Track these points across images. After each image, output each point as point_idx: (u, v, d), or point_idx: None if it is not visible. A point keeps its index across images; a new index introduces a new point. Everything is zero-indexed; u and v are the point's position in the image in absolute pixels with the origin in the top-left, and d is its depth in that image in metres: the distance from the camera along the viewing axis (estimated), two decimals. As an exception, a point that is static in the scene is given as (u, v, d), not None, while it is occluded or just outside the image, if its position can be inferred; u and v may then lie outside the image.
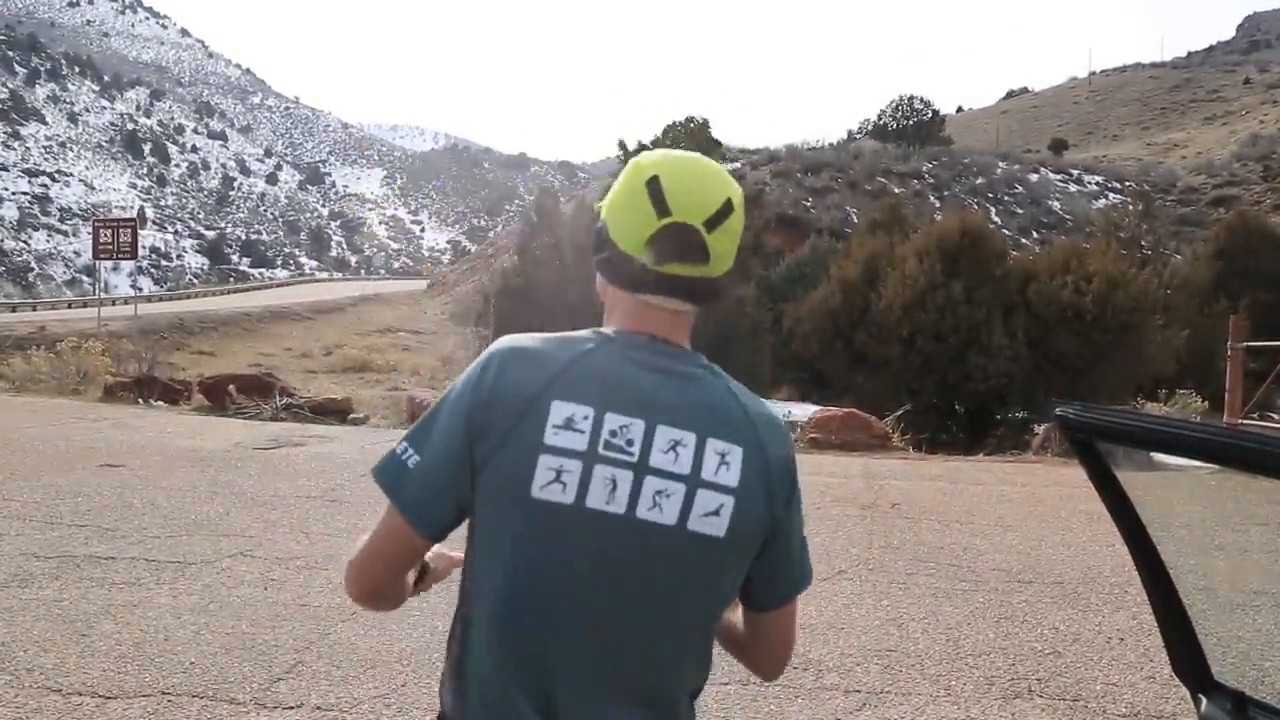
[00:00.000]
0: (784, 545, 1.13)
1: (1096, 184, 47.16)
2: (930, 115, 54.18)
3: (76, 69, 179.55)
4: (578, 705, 1.05)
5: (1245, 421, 9.35)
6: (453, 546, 1.22)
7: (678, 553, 1.05)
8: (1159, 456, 1.09)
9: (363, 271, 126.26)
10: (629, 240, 1.10)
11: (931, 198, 40.99)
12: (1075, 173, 48.86)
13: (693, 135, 23.08)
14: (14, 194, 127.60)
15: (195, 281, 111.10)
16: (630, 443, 1.04)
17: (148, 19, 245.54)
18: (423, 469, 1.05)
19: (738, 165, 42.46)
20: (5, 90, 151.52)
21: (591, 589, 1.04)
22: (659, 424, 1.05)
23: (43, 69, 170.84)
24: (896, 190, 40.18)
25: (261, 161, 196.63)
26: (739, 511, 1.06)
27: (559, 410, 1.03)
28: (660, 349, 1.12)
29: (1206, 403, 13.01)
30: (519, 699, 1.04)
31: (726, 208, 1.13)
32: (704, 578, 1.07)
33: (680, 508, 1.04)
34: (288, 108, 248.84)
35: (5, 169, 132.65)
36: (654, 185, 1.10)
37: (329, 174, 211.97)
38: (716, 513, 1.05)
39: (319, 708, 3.03)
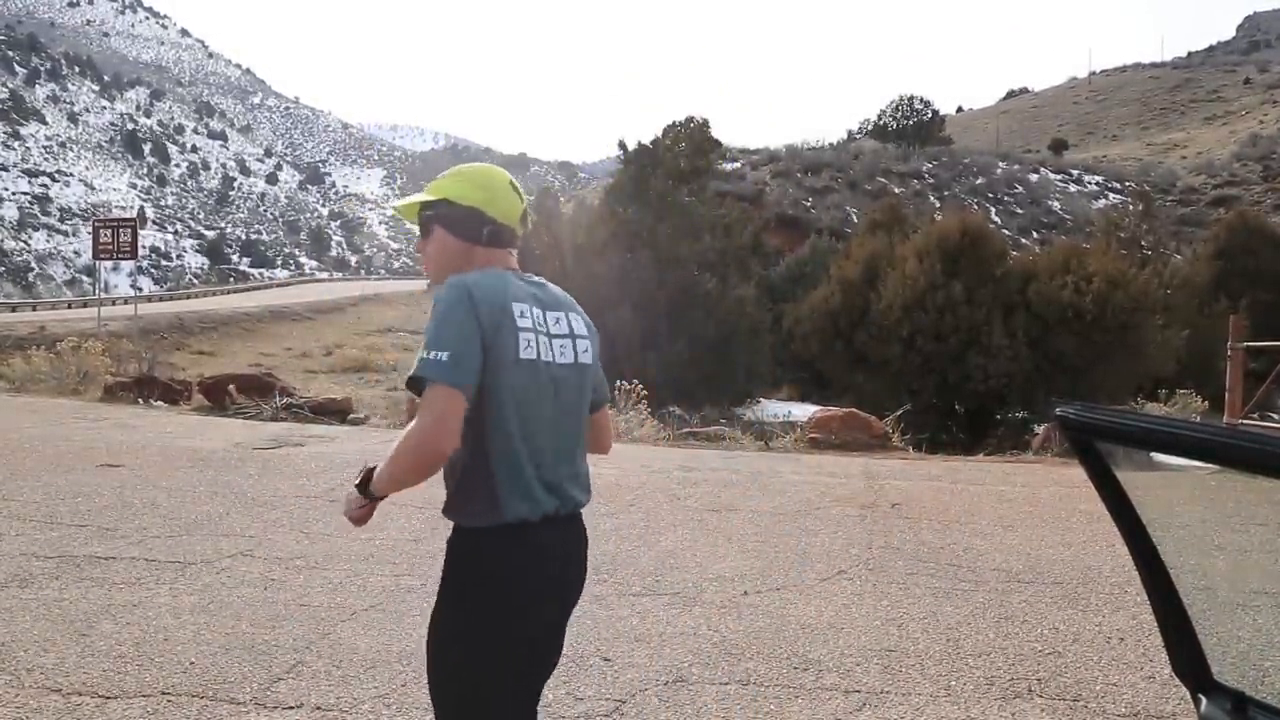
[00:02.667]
0: (599, 371, 1.95)
1: (1096, 184, 47.14)
2: (930, 115, 54.17)
3: (76, 69, 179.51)
4: (559, 481, 1.78)
5: (1245, 421, 9.35)
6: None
7: (578, 377, 1.85)
8: (1159, 456, 1.09)
9: (363, 271, 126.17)
10: (510, 217, 1.86)
11: (931, 198, 40.99)
12: (1075, 173, 48.85)
13: (693, 135, 23.06)
14: (14, 194, 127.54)
15: (195, 281, 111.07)
16: (541, 321, 1.79)
17: (148, 19, 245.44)
18: (455, 358, 1.63)
19: (738, 165, 42.46)
20: (5, 90, 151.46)
21: (547, 408, 1.77)
22: (548, 310, 1.83)
23: (43, 69, 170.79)
24: (896, 190, 40.18)
25: (261, 161, 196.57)
26: (592, 348, 1.91)
27: (516, 308, 1.74)
28: (525, 275, 1.88)
29: (1206, 403, 13.00)
30: (536, 485, 1.73)
31: None
32: (585, 389, 1.88)
33: (573, 352, 1.84)
34: (288, 108, 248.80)
35: (5, 169, 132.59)
36: (512, 184, 1.90)
37: (329, 174, 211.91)
38: (586, 351, 1.88)
39: (319, 708, 3.03)
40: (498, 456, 1.70)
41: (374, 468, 1.73)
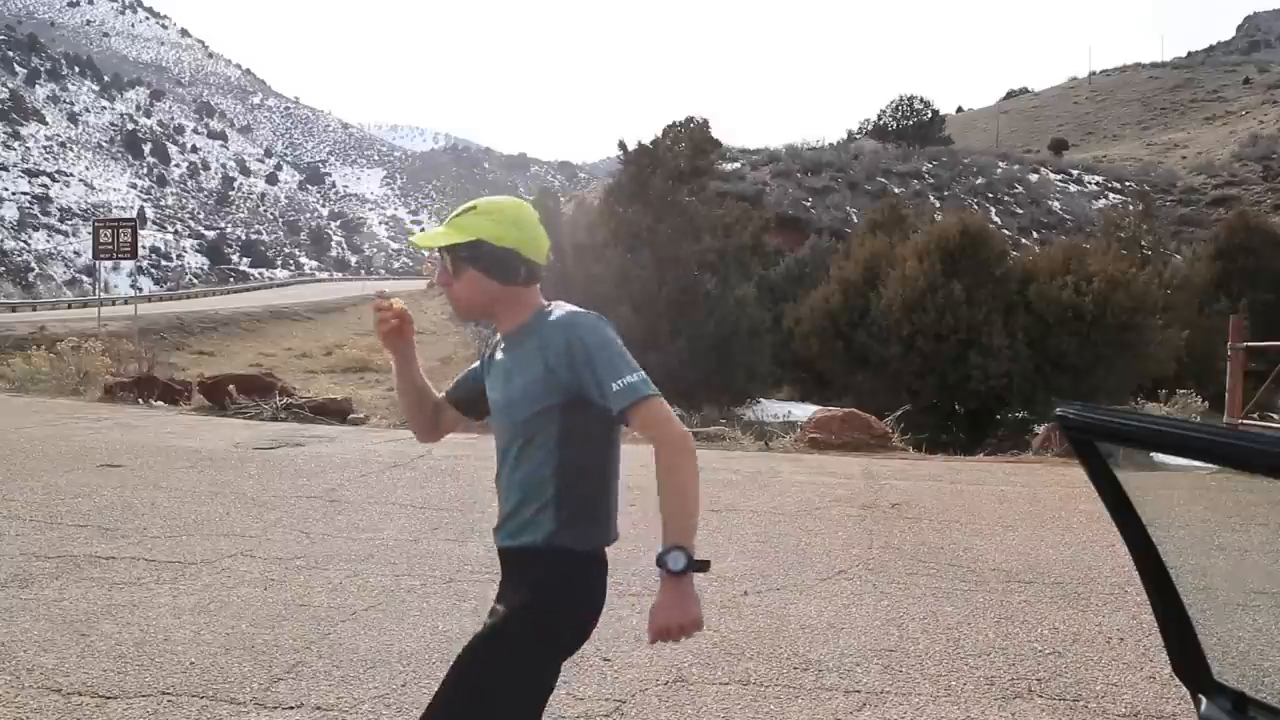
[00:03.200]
0: None
1: (1096, 184, 47.15)
2: (930, 115, 54.20)
3: (76, 69, 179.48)
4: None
5: (1245, 422, 9.34)
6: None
7: None
8: (1159, 456, 1.10)
9: (363, 271, 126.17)
10: (542, 254, 1.87)
11: (931, 198, 41.00)
12: (1075, 173, 48.86)
13: (693, 135, 23.06)
14: (14, 194, 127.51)
15: (195, 281, 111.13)
16: None
17: (148, 19, 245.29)
18: (648, 378, 1.73)
19: (738, 165, 42.46)
20: (5, 90, 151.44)
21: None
22: None
23: (43, 69, 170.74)
24: (896, 190, 40.19)
25: (261, 161, 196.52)
26: None
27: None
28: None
29: (1206, 403, 12.99)
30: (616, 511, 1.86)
31: None
32: None
33: None
34: (288, 108, 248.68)
35: (5, 169, 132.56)
36: (537, 218, 1.89)
37: (329, 174, 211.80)
38: None
39: (319, 708, 3.03)
40: (610, 477, 1.82)
41: (673, 545, 1.64)
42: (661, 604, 1.66)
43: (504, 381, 1.82)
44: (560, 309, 1.82)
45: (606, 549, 1.82)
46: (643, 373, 1.72)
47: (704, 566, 1.65)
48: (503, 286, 1.83)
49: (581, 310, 1.81)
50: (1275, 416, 11.19)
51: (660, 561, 1.63)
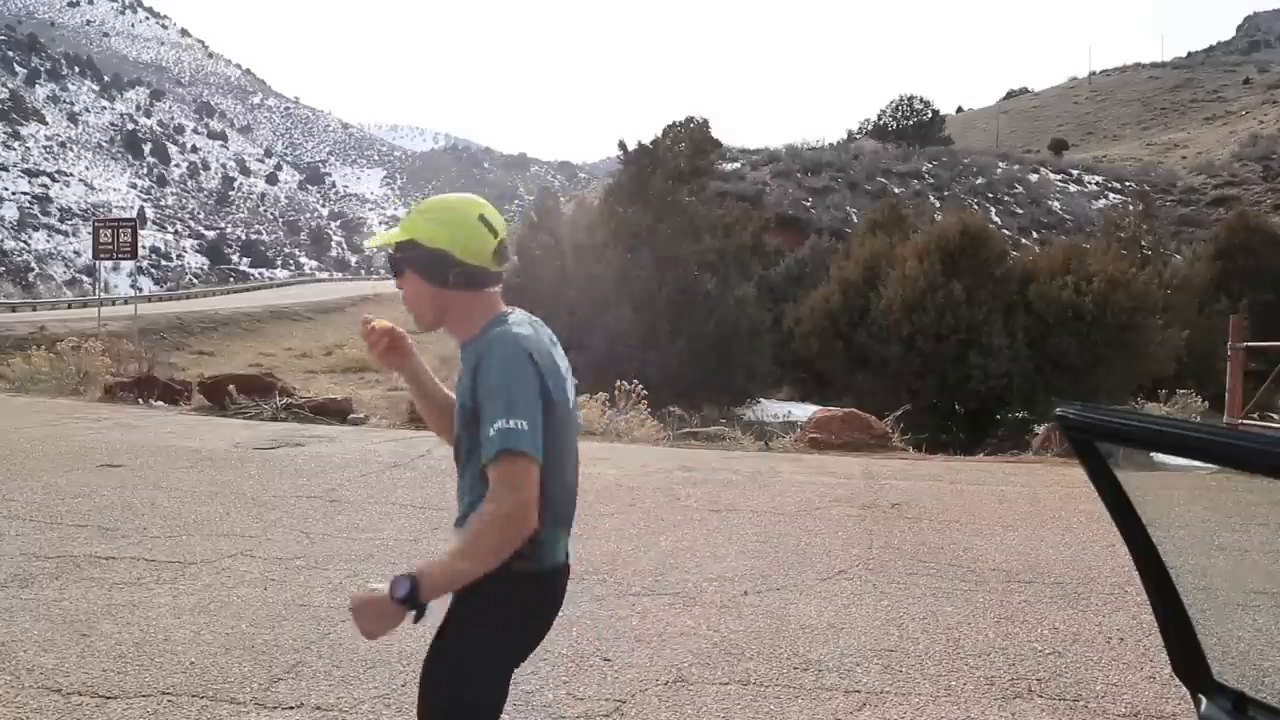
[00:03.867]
0: None
1: (1096, 184, 47.12)
2: (930, 115, 54.19)
3: (76, 69, 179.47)
4: (571, 527, 1.82)
5: (1245, 422, 9.34)
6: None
7: (574, 422, 1.84)
8: (1159, 456, 1.10)
9: (363, 271, 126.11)
10: (479, 256, 1.73)
11: (931, 198, 40.98)
12: (1075, 173, 48.83)
13: (693, 135, 23.06)
14: (14, 194, 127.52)
15: (195, 281, 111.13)
16: (566, 365, 1.80)
17: (148, 19, 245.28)
18: (534, 427, 1.61)
19: (738, 165, 42.45)
20: (5, 90, 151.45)
21: (572, 451, 1.80)
22: (555, 348, 1.79)
23: (43, 69, 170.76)
24: (896, 190, 40.18)
25: (261, 161, 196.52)
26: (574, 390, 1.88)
27: (555, 354, 1.76)
28: (527, 315, 1.82)
29: (1206, 403, 12.99)
30: (564, 533, 1.79)
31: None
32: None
33: (573, 397, 1.82)
34: (288, 108, 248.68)
35: (5, 169, 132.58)
36: (483, 219, 1.75)
37: (329, 174, 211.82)
38: (574, 390, 1.86)
39: (319, 708, 3.03)
40: (546, 504, 1.67)
41: (413, 575, 1.58)
42: (365, 601, 1.64)
43: (456, 391, 1.79)
44: (499, 326, 1.71)
45: (540, 570, 1.72)
46: (521, 420, 1.59)
47: (418, 611, 1.60)
48: (436, 290, 1.74)
49: (507, 336, 1.67)
50: (1275, 416, 11.19)
51: (398, 578, 1.58)
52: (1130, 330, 17.60)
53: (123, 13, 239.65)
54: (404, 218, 1.80)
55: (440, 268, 1.72)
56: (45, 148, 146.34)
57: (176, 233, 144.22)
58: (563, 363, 1.79)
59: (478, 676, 1.73)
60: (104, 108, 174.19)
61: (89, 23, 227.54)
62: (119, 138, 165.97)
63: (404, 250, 1.75)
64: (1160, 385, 15.14)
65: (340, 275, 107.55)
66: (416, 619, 1.62)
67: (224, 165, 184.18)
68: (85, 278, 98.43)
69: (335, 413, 10.26)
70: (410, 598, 1.57)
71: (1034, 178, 46.61)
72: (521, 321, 1.75)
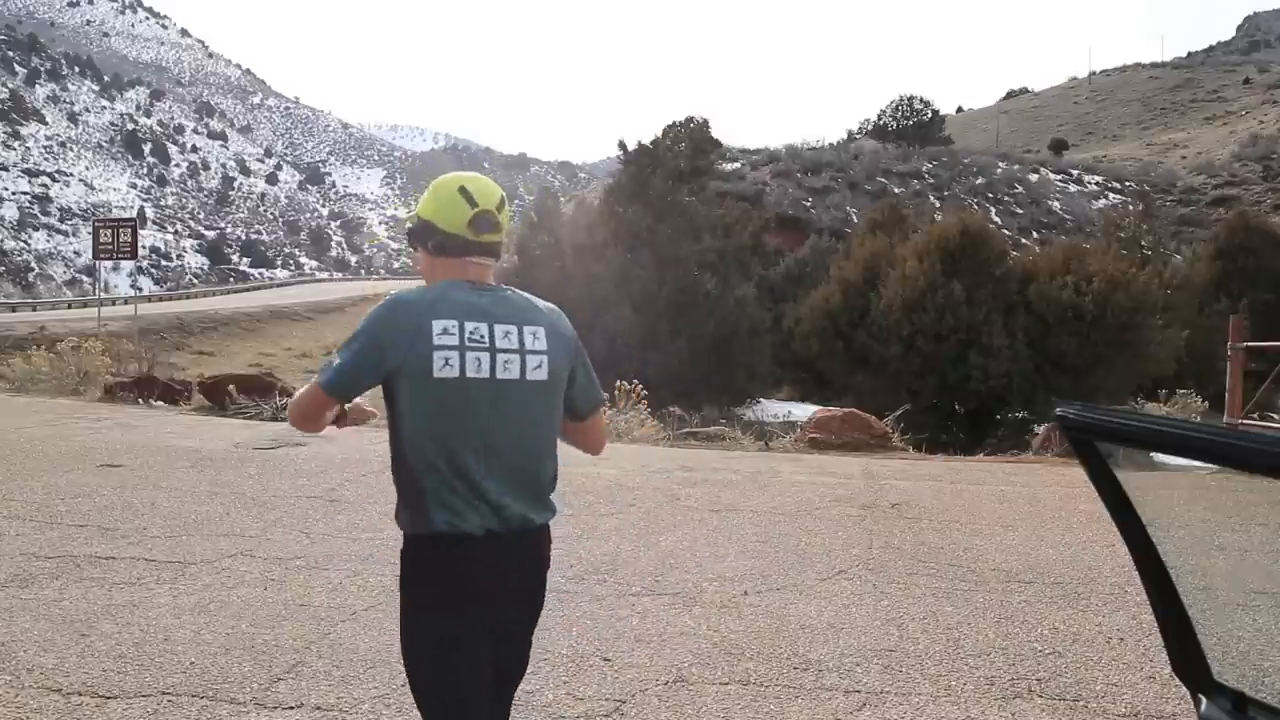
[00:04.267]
0: (583, 378, 1.96)
1: (1096, 184, 47.12)
2: (930, 115, 54.19)
3: (76, 69, 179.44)
4: (495, 496, 1.78)
5: (1245, 422, 9.34)
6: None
7: (525, 392, 1.83)
8: (1159, 456, 1.10)
9: (363, 271, 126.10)
10: (454, 224, 1.85)
11: (931, 198, 40.98)
12: (1075, 173, 48.83)
13: (693, 135, 23.06)
14: (14, 194, 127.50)
15: (195, 281, 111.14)
16: (483, 337, 1.79)
17: (148, 19, 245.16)
18: (341, 368, 1.79)
19: (738, 165, 42.45)
20: (5, 90, 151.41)
21: (477, 423, 1.78)
22: (495, 323, 1.82)
23: (43, 69, 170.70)
24: (896, 190, 40.18)
25: (261, 161, 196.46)
26: (552, 361, 1.86)
27: (437, 325, 1.76)
28: (482, 286, 1.88)
29: (1206, 403, 12.99)
30: (463, 500, 1.76)
31: (503, 201, 1.93)
32: (542, 404, 1.87)
33: (519, 368, 1.82)
34: (288, 108, 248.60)
35: (5, 169, 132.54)
36: (464, 190, 1.87)
37: (329, 174, 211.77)
38: (539, 367, 1.84)
39: (319, 708, 3.03)
40: (421, 470, 1.77)
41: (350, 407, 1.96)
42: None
43: None
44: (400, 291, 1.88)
45: (432, 533, 1.77)
46: (338, 358, 1.81)
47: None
48: (427, 257, 1.91)
49: (394, 295, 1.85)
50: (1275, 416, 11.19)
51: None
52: (1130, 330, 17.60)
53: (123, 13, 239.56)
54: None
55: (425, 236, 1.90)
56: (45, 148, 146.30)
57: (176, 233, 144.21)
58: (508, 336, 1.82)
59: (415, 645, 1.81)
60: (104, 108, 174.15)
61: (89, 23, 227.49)
62: (119, 138, 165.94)
63: (414, 225, 1.94)
64: (1160, 385, 15.14)
65: (340, 275, 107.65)
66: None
67: (224, 165, 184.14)
68: (85, 278, 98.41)
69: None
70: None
71: (1034, 178, 46.62)
72: (440, 289, 1.83)
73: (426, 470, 1.76)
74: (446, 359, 1.75)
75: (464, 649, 1.79)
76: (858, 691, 3.26)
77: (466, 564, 1.78)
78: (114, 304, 34.21)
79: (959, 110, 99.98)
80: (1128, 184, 45.28)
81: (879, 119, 54.59)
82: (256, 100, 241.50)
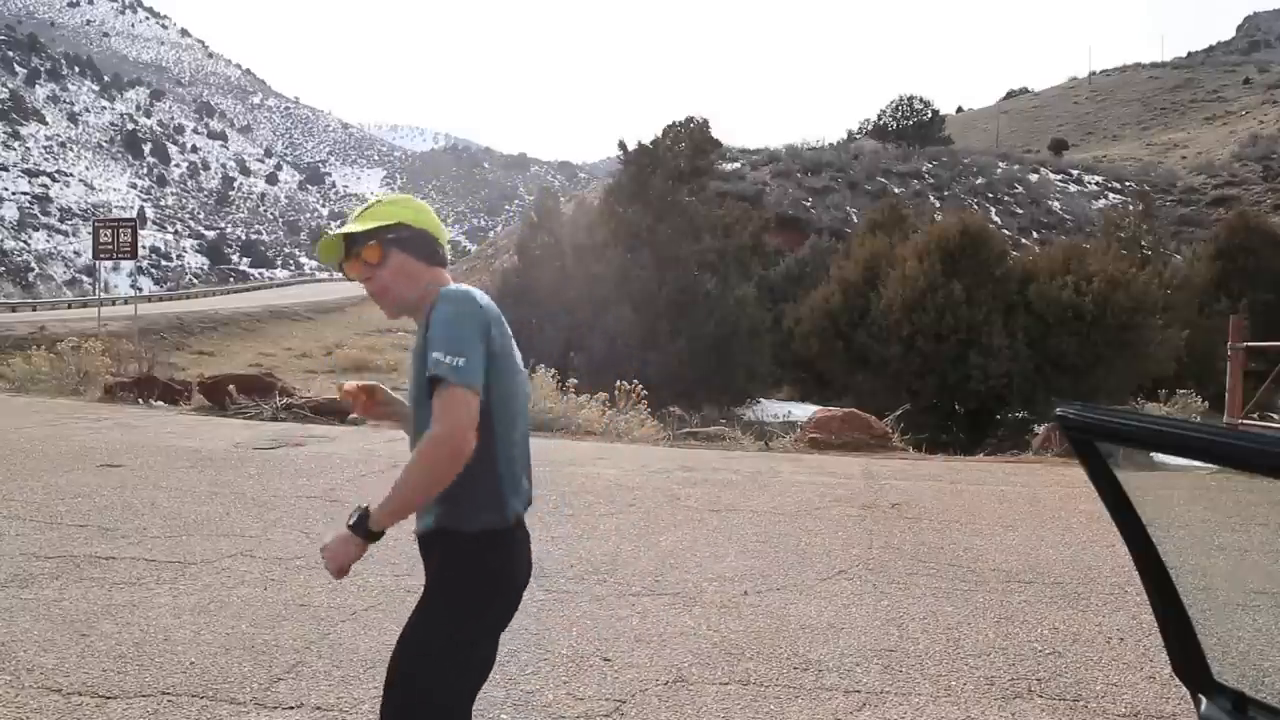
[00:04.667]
0: None
1: (1096, 184, 47.13)
2: (930, 115, 54.18)
3: (76, 69, 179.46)
4: (527, 478, 1.90)
5: (1245, 422, 9.34)
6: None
7: (525, 388, 1.94)
8: (1159, 456, 1.10)
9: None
10: (444, 238, 1.95)
11: (931, 198, 40.98)
12: (1075, 173, 48.84)
13: (693, 135, 23.05)
14: (14, 194, 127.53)
15: (195, 281, 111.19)
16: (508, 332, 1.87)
17: (148, 19, 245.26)
18: (471, 364, 1.69)
19: (738, 165, 42.45)
20: (5, 90, 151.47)
21: (524, 406, 1.90)
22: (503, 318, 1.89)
23: (43, 69, 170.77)
24: (896, 190, 40.18)
25: (261, 161, 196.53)
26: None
27: (506, 326, 1.84)
28: None
29: (1206, 403, 12.99)
30: (523, 484, 1.87)
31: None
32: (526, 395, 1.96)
33: (521, 366, 1.91)
34: (288, 108, 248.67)
35: (5, 169, 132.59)
36: (431, 210, 1.99)
37: (329, 174, 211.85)
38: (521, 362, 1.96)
39: (319, 708, 3.03)
40: (501, 453, 1.80)
41: (367, 506, 1.74)
42: (332, 540, 1.80)
43: (410, 368, 1.87)
44: (448, 288, 1.82)
45: (507, 526, 1.81)
46: (465, 357, 1.68)
47: (368, 536, 1.76)
48: (424, 266, 1.88)
49: (456, 289, 1.79)
50: (1275, 416, 11.19)
51: (353, 513, 1.77)
52: (1130, 330, 17.58)
53: (123, 13, 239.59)
54: (371, 211, 1.92)
55: (429, 244, 1.90)
56: (45, 148, 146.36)
57: (176, 233, 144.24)
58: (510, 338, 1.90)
59: (445, 651, 1.76)
60: (104, 108, 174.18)
61: (89, 23, 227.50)
62: (119, 138, 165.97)
63: (396, 232, 1.87)
64: (1160, 385, 15.14)
65: (340, 275, 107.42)
66: (368, 539, 1.77)
67: (224, 165, 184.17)
68: (85, 278, 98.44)
69: (335, 413, 10.25)
70: (360, 524, 1.73)
71: (1034, 178, 46.62)
72: (471, 288, 1.88)
73: (504, 451, 1.80)
74: (513, 347, 1.86)
75: (485, 649, 1.83)
76: (858, 691, 3.26)
77: (523, 550, 1.88)
78: (114, 304, 34.22)
79: (959, 110, 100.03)
80: (1128, 184, 45.30)
81: (879, 119, 54.59)
82: (256, 100, 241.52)
